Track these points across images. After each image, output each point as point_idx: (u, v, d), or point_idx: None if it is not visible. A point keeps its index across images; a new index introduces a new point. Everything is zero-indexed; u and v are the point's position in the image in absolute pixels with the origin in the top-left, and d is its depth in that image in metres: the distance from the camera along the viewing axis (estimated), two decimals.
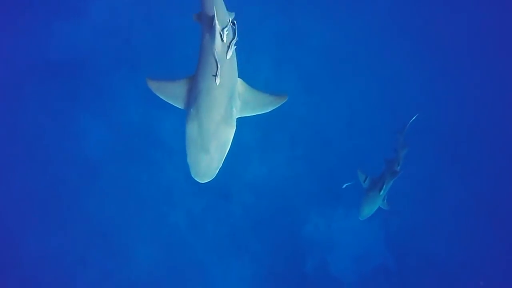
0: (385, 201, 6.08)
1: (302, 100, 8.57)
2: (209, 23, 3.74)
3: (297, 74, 8.69)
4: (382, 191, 5.77)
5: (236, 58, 3.87)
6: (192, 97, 3.67)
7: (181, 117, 8.76)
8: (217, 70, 3.45)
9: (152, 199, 7.91)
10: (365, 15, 9.00)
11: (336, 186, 8.27)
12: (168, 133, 8.29)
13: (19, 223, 7.64)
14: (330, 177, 8.29)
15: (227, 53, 3.62)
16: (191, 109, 3.57)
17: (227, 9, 4.12)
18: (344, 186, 6.57)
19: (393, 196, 8.18)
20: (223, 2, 4.08)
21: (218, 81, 3.43)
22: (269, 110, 4.12)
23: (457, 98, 8.72)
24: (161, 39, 8.71)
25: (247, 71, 9.44)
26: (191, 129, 3.52)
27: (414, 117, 6.63)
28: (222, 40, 3.61)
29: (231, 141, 3.54)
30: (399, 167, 6.19)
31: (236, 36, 3.75)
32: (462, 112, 8.66)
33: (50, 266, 7.51)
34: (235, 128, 3.60)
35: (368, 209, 5.88)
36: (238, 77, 3.98)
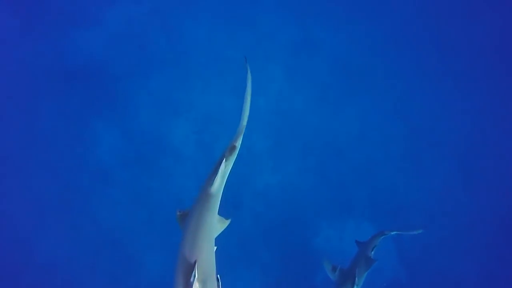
0: None
1: (315, 110, 8.53)
2: (187, 275, 2.87)
3: (310, 84, 8.67)
4: (355, 286, 4.80)
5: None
6: None
7: (193, 124, 8.81)
8: None
9: (162, 206, 7.88)
10: (379, 26, 8.97)
11: (347, 197, 8.20)
12: (179, 141, 8.31)
13: (30, 227, 7.67)
14: (342, 189, 8.20)
15: None
16: None
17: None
18: None
19: (408, 210, 8.09)
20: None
21: None
22: None
23: (472, 111, 8.59)
24: (175, 47, 8.79)
25: (261, 81, 9.49)
26: None
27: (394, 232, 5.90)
28: None
29: None
30: (372, 252, 5.30)
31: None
32: (477, 125, 8.52)
33: (60, 272, 7.50)
34: None
35: None
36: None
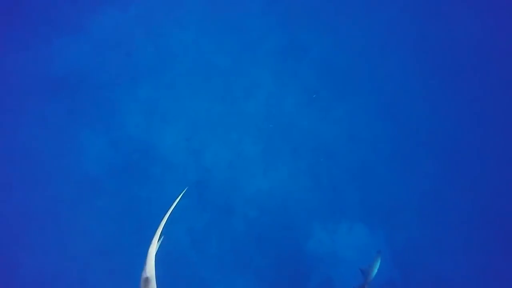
0: None
1: (304, 113, 8.55)
2: None
3: (299, 87, 8.70)
4: None
5: None
6: None
7: (182, 131, 8.77)
8: None
9: (152, 215, 7.74)
10: (364, 28, 9.06)
11: (339, 199, 8.20)
12: (168, 148, 8.23)
13: (16, 241, 7.50)
14: (333, 191, 8.21)
15: None
16: None
17: None
18: None
19: (399, 210, 8.13)
20: None
21: None
22: None
23: (460, 110, 8.70)
24: (162, 54, 8.76)
25: (249, 86, 9.53)
26: None
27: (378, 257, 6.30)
28: None
29: None
30: None
31: None
32: (465, 124, 8.63)
33: (48, 286, 7.32)
34: None
35: None
36: None
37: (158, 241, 3.56)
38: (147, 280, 3.48)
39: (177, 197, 3.80)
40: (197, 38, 8.85)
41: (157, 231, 3.61)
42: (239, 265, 7.75)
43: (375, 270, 6.02)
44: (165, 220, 3.67)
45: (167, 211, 3.73)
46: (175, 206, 3.56)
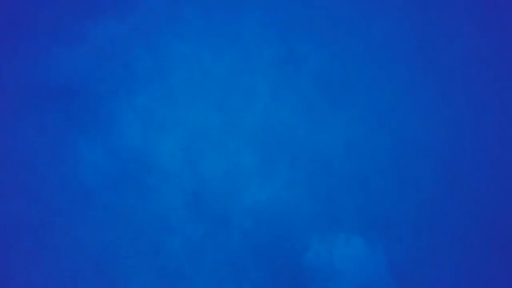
0: None
1: (301, 124, 8.57)
2: None
3: (296, 99, 8.73)
4: None
5: None
6: None
7: (179, 141, 8.83)
8: None
9: (149, 226, 7.75)
10: (362, 38, 9.14)
11: (337, 211, 8.17)
12: (166, 158, 8.22)
13: (7, 252, 7.41)
14: (331, 202, 8.18)
15: None
16: None
17: None
18: None
19: (398, 222, 8.10)
20: None
21: None
22: None
23: (458, 120, 8.73)
24: (159, 64, 8.80)
25: (246, 96, 9.60)
26: None
27: None
28: None
29: None
30: None
31: None
32: (464, 134, 8.65)
33: None
34: None
35: None
36: None
37: None
38: None
39: None
40: (195, 48, 8.90)
41: None
42: (235, 277, 7.67)
43: None
44: None
45: None
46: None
